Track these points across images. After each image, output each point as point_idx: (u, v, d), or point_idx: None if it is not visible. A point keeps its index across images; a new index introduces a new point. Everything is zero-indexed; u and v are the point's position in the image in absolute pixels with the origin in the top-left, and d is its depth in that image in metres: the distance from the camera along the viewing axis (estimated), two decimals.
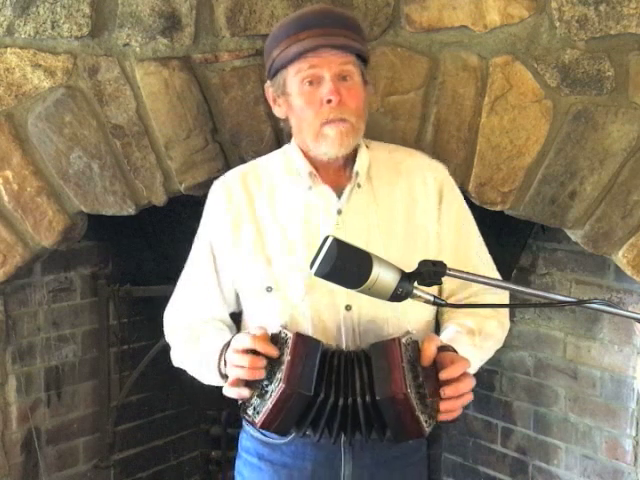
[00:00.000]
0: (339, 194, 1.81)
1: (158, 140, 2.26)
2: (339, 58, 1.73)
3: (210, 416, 3.14)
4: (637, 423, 2.42)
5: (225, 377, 1.72)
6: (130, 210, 2.31)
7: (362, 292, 1.48)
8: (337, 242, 1.46)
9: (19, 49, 2.26)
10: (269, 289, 1.79)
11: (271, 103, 1.86)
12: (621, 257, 2.21)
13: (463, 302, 1.87)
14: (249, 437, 1.89)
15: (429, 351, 1.64)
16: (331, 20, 1.75)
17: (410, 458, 1.84)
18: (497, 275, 1.89)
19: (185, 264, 1.94)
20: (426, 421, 1.61)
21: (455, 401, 1.63)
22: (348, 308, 1.76)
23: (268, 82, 1.84)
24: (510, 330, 2.80)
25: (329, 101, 1.72)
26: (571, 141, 2.18)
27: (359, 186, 1.81)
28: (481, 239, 1.92)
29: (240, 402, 1.69)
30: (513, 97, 2.18)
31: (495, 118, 2.19)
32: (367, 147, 1.85)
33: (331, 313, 1.77)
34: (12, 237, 2.33)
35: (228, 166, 2.26)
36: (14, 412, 2.55)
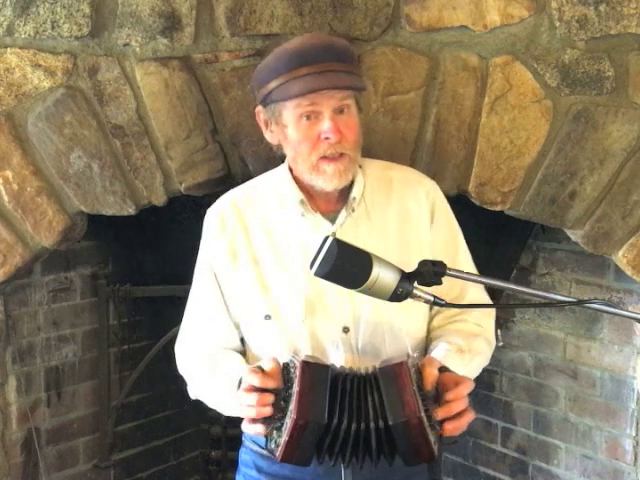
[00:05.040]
0: (332, 218, 1.81)
1: (158, 140, 2.26)
2: (339, 94, 1.72)
3: (210, 416, 3.14)
4: (637, 423, 2.42)
5: None
6: (130, 210, 2.31)
7: (362, 292, 1.48)
8: (337, 242, 1.46)
9: (19, 49, 2.26)
10: (267, 317, 1.79)
11: (262, 127, 1.84)
12: (621, 257, 2.21)
13: (452, 320, 1.86)
14: (248, 451, 1.89)
15: (432, 376, 1.63)
16: (331, 55, 1.73)
17: (412, 468, 1.83)
18: (486, 295, 1.90)
19: (190, 294, 1.92)
20: (435, 443, 1.61)
21: (455, 421, 1.63)
22: (346, 330, 1.77)
23: (260, 107, 1.81)
24: (510, 330, 2.82)
25: (328, 138, 1.72)
26: (571, 141, 2.18)
27: (353, 210, 1.82)
28: (469, 258, 1.91)
29: (264, 439, 1.67)
30: (513, 97, 2.18)
31: (495, 118, 2.19)
32: (360, 167, 1.85)
33: (329, 336, 1.77)
34: (12, 237, 2.33)
35: (228, 166, 2.27)
36: (14, 412, 2.55)
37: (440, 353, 1.77)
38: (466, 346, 1.80)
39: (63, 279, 2.70)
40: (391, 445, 1.60)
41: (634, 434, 2.42)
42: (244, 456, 1.91)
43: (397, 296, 1.48)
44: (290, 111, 1.74)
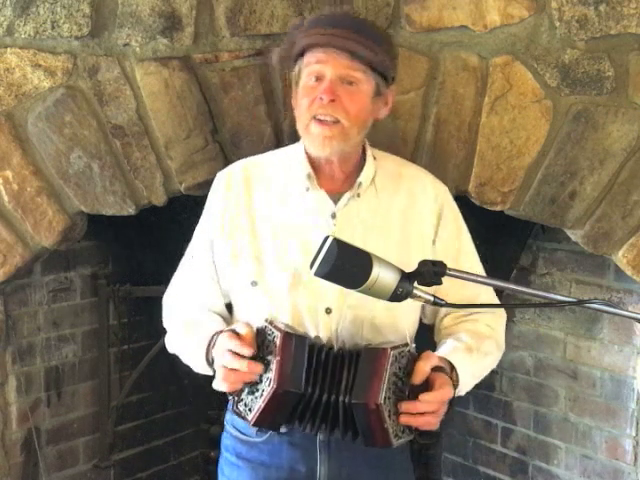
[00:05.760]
0: (336, 199, 1.82)
1: (158, 140, 2.26)
2: (346, 61, 1.73)
3: (210, 416, 3.14)
4: (637, 423, 2.42)
5: (210, 365, 1.76)
6: (130, 210, 2.31)
7: (362, 292, 1.48)
8: (337, 242, 1.45)
9: (19, 49, 2.25)
10: (254, 283, 1.81)
11: (293, 92, 1.87)
12: (621, 257, 2.21)
13: (462, 320, 1.88)
14: (229, 436, 1.91)
15: (422, 371, 1.65)
16: (354, 25, 1.76)
17: (392, 459, 1.85)
18: (496, 297, 1.92)
19: (186, 250, 1.96)
20: (396, 434, 1.64)
21: (414, 417, 1.65)
22: (328, 311, 1.78)
23: (292, 73, 1.85)
24: (510, 330, 2.82)
25: (321, 98, 1.74)
26: (571, 141, 2.18)
27: (358, 195, 1.82)
28: (480, 265, 1.91)
29: (230, 398, 1.72)
30: (513, 97, 2.18)
31: (495, 118, 2.19)
32: (374, 158, 1.86)
33: (311, 315, 1.78)
34: (12, 237, 2.33)
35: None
36: (14, 412, 2.55)
37: (447, 349, 1.78)
38: (475, 345, 1.81)
39: (63, 279, 2.70)
40: (354, 422, 1.65)
41: (634, 434, 2.42)
42: (225, 441, 1.93)
43: (397, 296, 1.47)
44: (304, 69, 1.78)
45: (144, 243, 2.88)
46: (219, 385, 1.71)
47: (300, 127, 1.81)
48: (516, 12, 2.15)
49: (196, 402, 3.10)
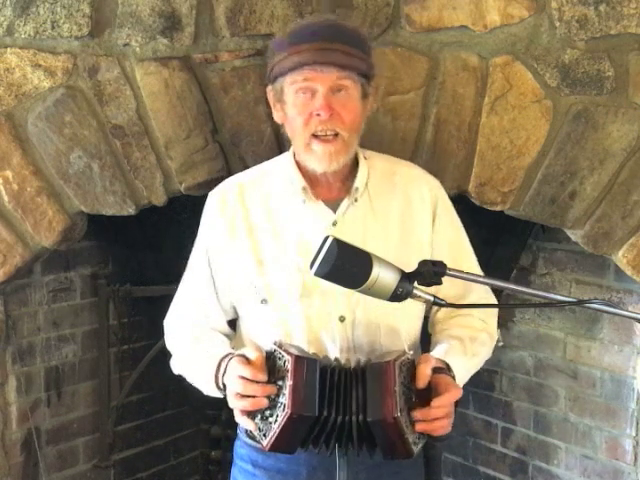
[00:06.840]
0: (335, 207, 1.81)
1: (158, 140, 2.26)
2: (335, 73, 1.72)
3: (210, 416, 3.14)
4: (637, 423, 2.42)
5: (221, 389, 1.74)
6: (130, 210, 2.31)
7: (362, 292, 1.48)
8: (337, 242, 1.46)
9: (19, 49, 2.26)
10: (264, 301, 1.80)
11: (272, 106, 1.86)
12: (621, 257, 2.21)
13: (456, 313, 1.88)
14: (243, 444, 1.90)
15: (424, 375, 1.65)
16: (334, 34, 1.74)
17: (407, 463, 1.84)
18: (490, 293, 1.91)
19: (185, 270, 1.94)
20: (414, 442, 1.64)
21: (430, 424, 1.64)
22: (342, 319, 1.77)
23: (269, 86, 1.83)
24: (510, 330, 2.82)
25: (319, 115, 1.73)
26: (571, 141, 2.18)
27: (356, 200, 1.82)
28: (474, 257, 1.92)
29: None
30: (513, 97, 2.18)
31: (495, 118, 2.19)
32: (365, 158, 1.86)
33: (325, 324, 1.77)
34: (12, 237, 2.33)
35: (228, 166, 2.27)
36: (14, 412, 2.55)
37: (443, 348, 1.78)
38: (469, 341, 1.81)
39: (63, 279, 2.70)
40: (371, 438, 1.64)
41: (634, 434, 2.42)
42: (240, 450, 1.91)
43: (397, 296, 1.48)
44: (288, 87, 1.76)
45: (144, 243, 2.89)
46: (240, 420, 1.69)
47: (299, 145, 1.79)
48: (516, 12, 2.15)
49: (196, 402, 3.10)
